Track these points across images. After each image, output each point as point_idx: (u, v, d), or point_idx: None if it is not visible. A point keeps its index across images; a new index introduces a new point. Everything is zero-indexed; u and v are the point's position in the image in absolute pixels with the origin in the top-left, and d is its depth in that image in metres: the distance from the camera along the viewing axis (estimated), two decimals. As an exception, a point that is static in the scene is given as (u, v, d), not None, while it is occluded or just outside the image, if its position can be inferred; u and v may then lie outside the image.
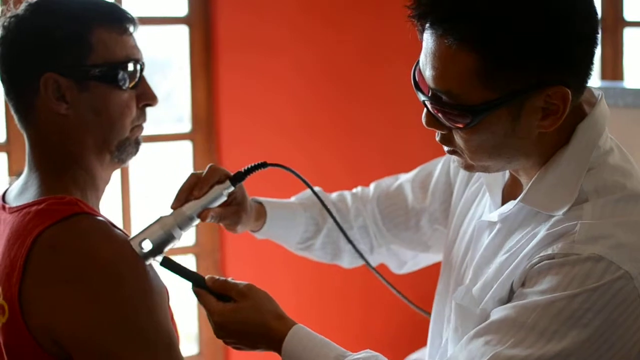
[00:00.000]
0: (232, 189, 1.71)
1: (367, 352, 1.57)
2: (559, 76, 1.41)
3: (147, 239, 1.57)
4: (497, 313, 1.46)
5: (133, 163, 3.77)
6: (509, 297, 1.50)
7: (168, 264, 1.58)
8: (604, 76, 4.25)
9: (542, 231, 1.48)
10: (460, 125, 1.44)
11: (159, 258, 1.58)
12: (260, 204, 1.93)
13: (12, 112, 1.67)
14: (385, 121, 4.17)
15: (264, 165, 1.74)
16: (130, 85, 1.66)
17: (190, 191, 1.68)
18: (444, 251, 1.83)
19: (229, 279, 1.61)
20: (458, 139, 1.48)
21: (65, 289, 1.48)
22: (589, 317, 1.38)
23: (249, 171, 1.73)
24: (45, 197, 1.58)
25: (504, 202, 1.61)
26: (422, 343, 3.15)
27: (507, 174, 1.64)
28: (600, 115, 1.53)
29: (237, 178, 1.72)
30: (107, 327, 1.48)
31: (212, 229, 4.00)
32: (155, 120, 4.19)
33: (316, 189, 1.95)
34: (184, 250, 4.07)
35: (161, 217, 1.61)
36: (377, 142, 4.20)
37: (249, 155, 3.95)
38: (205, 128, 3.96)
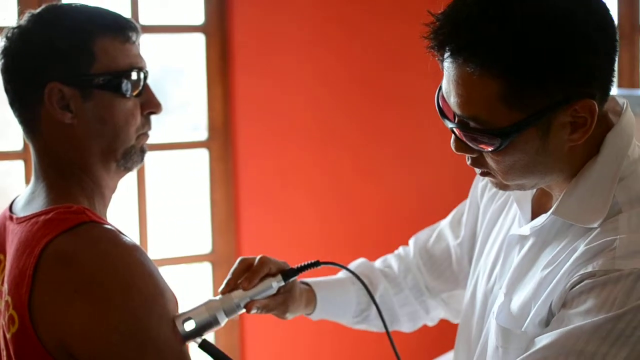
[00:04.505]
0: (282, 283, 1.73)
1: None
2: (584, 89, 1.41)
3: (191, 319, 1.58)
4: (543, 340, 1.43)
5: (149, 171, 3.83)
6: (549, 319, 1.48)
7: (206, 347, 1.58)
8: (620, 84, 4.24)
9: (581, 247, 1.46)
10: (490, 149, 1.44)
11: (199, 340, 1.58)
12: (308, 287, 1.92)
13: (18, 122, 1.68)
14: (404, 125, 4.16)
15: (317, 264, 1.77)
16: (134, 94, 1.66)
17: (239, 277, 1.71)
18: (472, 265, 1.82)
19: None
20: (489, 161, 1.48)
21: (74, 298, 1.48)
22: (638, 334, 1.36)
23: (302, 269, 1.77)
24: (52, 207, 1.58)
25: (533, 215, 1.61)
26: (447, 347, 3.16)
27: None
28: (628, 124, 1.52)
29: (290, 274, 1.75)
30: (117, 335, 1.48)
31: (228, 236, 4.00)
32: (171, 129, 4.22)
33: (360, 260, 1.98)
34: (200, 259, 4.08)
35: (209, 301, 1.63)
36: (396, 147, 4.19)
37: (265, 162, 3.98)
38: (222, 136, 3.97)
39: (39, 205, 1.62)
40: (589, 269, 1.42)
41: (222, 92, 3.94)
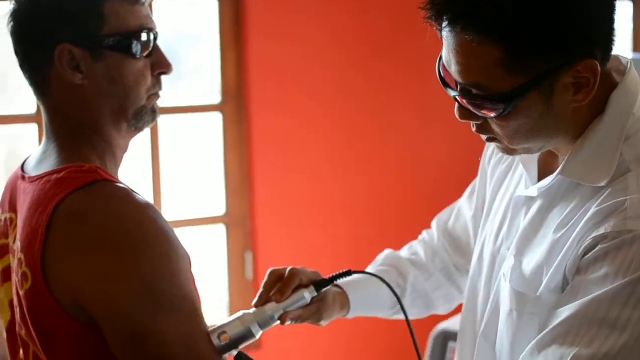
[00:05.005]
0: (315, 294, 1.75)
1: None
2: (584, 50, 1.41)
3: (226, 332, 1.60)
4: (563, 313, 1.43)
5: (163, 135, 3.84)
6: (564, 285, 1.48)
7: (242, 359, 1.60)
8: (635, 48, 4.21)
9: (592, 208, 1.46)
10: (494, 115, 1.44)
11: (234, 352, 1.61)
12: (340, 289, 1.91)
13: (29, 84, 1.69)
14: (422, 87, 4.14)
15: (349, 273, 1.78)
16: (145, 54, 1.67)
17: (271, 290, 1.72)
18: (479, 229, 1.83)
19: None
20: (494, 127, 1.49)
21: (87, 255, 1.49)
22: None
23: (334, 279, 1.77)
24: (64, 166, 1.59)
25: (540, 177, 1.61)
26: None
27: None
28: (632, 82, 1.52)
29: (322, 284, 1.76)
30: (130, 292, 1.49)
31: (242, 198, 4.02)
32: (185, 93, 4.23)
33: (386, 252, 1.98)
34: (214, 220, 4.10)
35: (243, 314, 1.65)
36: (414, 108, 4.19)
37: (279, 125, 3.98)
38: (235, 99, 3.98)
39: (50, 164, 1.63)
40: (601, 231, 1.42)
41: (235, 56, 3.95)
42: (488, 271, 1.71)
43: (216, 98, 4.03)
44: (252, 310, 1.68)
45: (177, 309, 1.52)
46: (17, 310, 1.61)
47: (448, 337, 3.15)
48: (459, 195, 2.01)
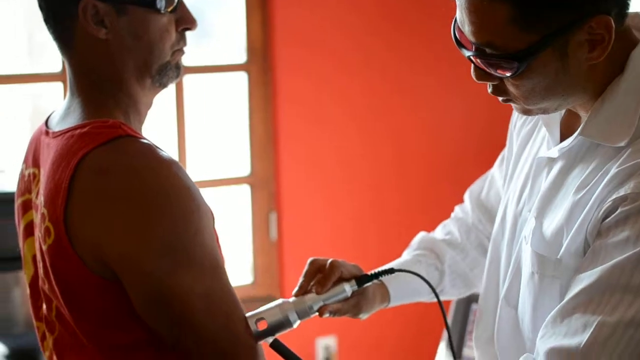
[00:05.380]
0: (356, 288, 1.73)
1: None
2: (597, 5, 1.39)
3: (264, 319, 1.60)
4: (584, 280, 1.41)
5: (188, 94, 3.84)
6: (585, 248, 1.47)
7: (277, 346, 1.60)
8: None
9: (612, 169, 1.44)
10: (509, 73, 1.44)
11: (270, 339, 1.60)
12: (379, 281, 1.89)
13: (53, 39, 1.68)
14: (441, 50, 4.11)
15: (391, 271, 1.77)
16: (169, 10, 1.66)
17: (312, 279, 1.71)
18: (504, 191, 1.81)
19: None
20: (510, 87, 1.48)
21: (110, 210, 1.49)
22: None
23: (377, 275, 1.76)
24: (88, 121, 1.59)
25: (562, 138, 1.59)
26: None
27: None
28: None
29: (364, 280, 1.75)
30: (152, 248, 1.49)
31: (267, 158, 4.02)
32: (211, 52, 4.22)
33: (421, 234, 1.96)
34: (238, 181, 4.10)
35: (283, 302, 1.64)
36: (433, 71, 4.16)
37: (303, 88, 3.97)
38: (261, 59, 3.96)
39: (74, 119, 1.62)
40: (621, 192, 1.40)
41: (261, 15, 3.92)
42: (510, 233, 1.70)
43: (241, 57, 4.01)
44: (292, 299, 1.67)
45: (199, 266, 1.52)
46: (40, 265, 1.61)
47: (471, 298, 3.14)
48: (481, 159, 1.99)
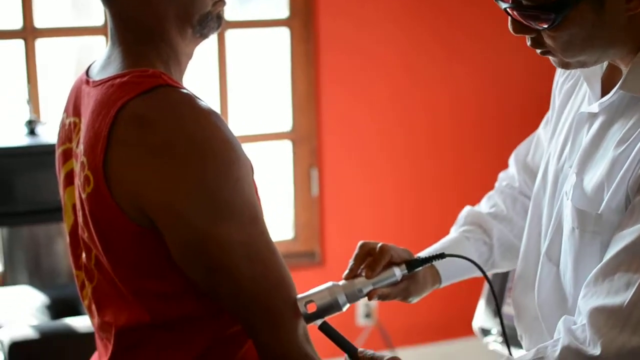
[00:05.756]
0: (406, 272, 1.72)
1: None
2: None
3: (313, 301, 1.60)
4: (626, 237, 1.40)
5: (230, 49, 3.83)
6: (626, 204, 1.45)
7: (326, 329, 1.58)
8: None
9: None
10: (546, 25, 1.42)
11: (319, 322, 1.59)
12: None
13: None
14: (487, 21, 4.08)
15: (442, 256, 1.73)
16: None
17: (362, 263, 1.69)
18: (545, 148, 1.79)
19: (377, 352, 1.57)
20: (547, 39, 1.46)
21: (149, 159, 1.49)
22: None
23: (428, 260, 1.73)
24: (128, 70, 1.58)
25: (604, 93, 1.57)
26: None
27: (605, 64, 1.59)
28: None
29: (414, 265, 1.72)
30: (191, 197, 1.49)
31: (309, 114, 4.01)
32: (253, 7, 4.21)
33: (466, 209, 1.93)
34: (280, 136, 4.10)
35: (333, 285, 1.63)
36: (475, 38, 4.13)
37: (346, 42, 3.95)
38: (303, 15, 3.94)
39: (114, 69, 1.62)
40: None
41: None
42: (551, 190, 1.68)
43: (284, 13, 3.99)
44: (342, 282, 1.66)
45: (237, 216, 1.52)
46: (80, 214, 1.61)
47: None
48: (524, 123, 1.96)
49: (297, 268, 3.95)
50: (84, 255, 1.67)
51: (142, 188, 1.49)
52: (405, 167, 4.14)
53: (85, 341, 2.17)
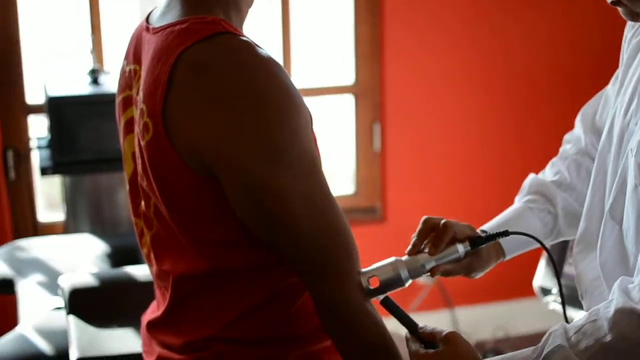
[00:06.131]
0: (469, 249, 1.71)
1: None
2: None
3: (376, 276, 1.60)
4: None
5: (293, 4, 3.80)
6: None
7: (388, 304, 1.57)
8: None
9: None
10: None
11: (381, 297, 1.59)
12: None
13: None
14: None
15: (505, 233, 1.71)
16: None
17: (425, 238, 1.69)
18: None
19: (437, 328, 1.55)
20: None
21: (208, 106, 1.48)
22: None
23: (491, 238, 1.72)
24: (188, 17, 1.57)
25: None
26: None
27: None
28: None
29: (478, 242, 1.71)
30: (249, 145, 1.47)
31: (372, 68, 3.98)
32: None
33: (530, 177, 1.91)
34: (341, 90, 4.08)
35: (395, 260, 1.63)
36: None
37: (411, 8, 3.90)
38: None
39: (174, 16, 1.60)
40: None
41: None
42: (616, 146, 1.65)
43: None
44: (405, 257, 1.67)
45: (296, 165, 1.50)
46: (139, 162, 1.61)
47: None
48: (594, 81, 1.91)
49: (357, 224, 3.94)
50: (143, 203, 1.67)
51: (200, 136, 1.48)
52: (473, 123, 4.09)
53: (144, 290, 2.18)
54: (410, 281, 1.64)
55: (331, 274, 1.54)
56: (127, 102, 1.71)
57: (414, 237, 1.70)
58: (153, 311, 1.77)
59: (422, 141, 4.05)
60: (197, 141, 1.49)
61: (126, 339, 2.28)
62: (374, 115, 4.02)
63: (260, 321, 1.63)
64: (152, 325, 1.75)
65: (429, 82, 4.01)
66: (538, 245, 1.80)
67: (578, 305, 1.83)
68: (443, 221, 1.70)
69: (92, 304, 2.40)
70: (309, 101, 3.42)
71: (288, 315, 1.65)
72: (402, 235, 3.98)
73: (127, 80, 1.71)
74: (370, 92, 4.00)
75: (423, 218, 1.72)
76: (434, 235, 1.69)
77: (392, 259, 1.63)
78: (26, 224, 3.71)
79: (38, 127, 3.65)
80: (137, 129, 1.60)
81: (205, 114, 1.48)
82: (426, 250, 1.68)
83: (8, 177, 3.63)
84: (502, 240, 1.80)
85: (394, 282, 1.62)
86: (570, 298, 1.77)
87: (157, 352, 1.73)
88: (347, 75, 4.04)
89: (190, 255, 1.60)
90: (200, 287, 1.63)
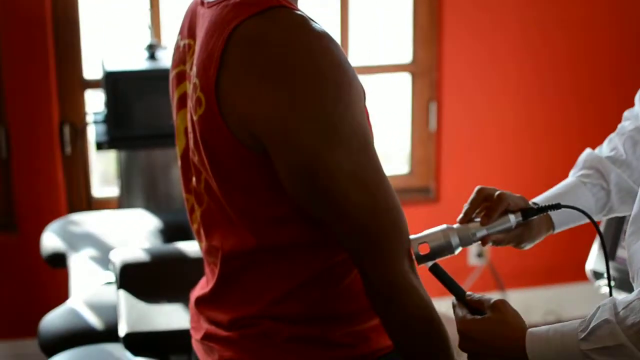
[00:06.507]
0: (521, 220, 1.71)
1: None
2: None
3: (427, 242, 1.60)
4: None
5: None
6: None
7: (436, 271, 1.58)
8: None
9: None
10: None
11: (430, 263, 1.59)
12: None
13: None
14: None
15: (557, 206, 1.71)
16: None
17: (477, 208, 1.69)
18: None
19: (485, 295, 1.56)
20: None
21: (260, 81, 1.46)
22: None
23: (543, 210, 1.71)
24: None
25: None
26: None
27: None
28: None
29: (530, 213, 1.71)
30: (302, 120, 1.46)
31: (430, 47, 3.94)
32: None
33: (586, 152, 1.88)
34: (399, 68, 4.04)
35: (447, 228, 1.64)
36: None
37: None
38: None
39: None
40: None
41: None
42: None
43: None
44: (456, 225, 1.67)
45: (347, 141, 1.48)
46: (191, 137, 1.61)
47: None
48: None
49: (411, 204, 3.93)
50: (194, 179, 1.67)
51: (252, 111, 1.47)
52: (530, 104, 4.03)
53: (194, 266, 2.18)
54: (460, 249, 1.64)
55: (379, 250, 1.52)
56: (181, 77, 1.70)
57: (466, 206, 1.70)
58: (202, 287, 1.78)
59: (478, 121, 4.01)
60: (249, 115, 1.47)
61: (175, 315, 2.29)
62: (430, 94, 3.98)
63: (307, 299, 1.63)
64: (201, 302, 1.75)
65: (486, 62, 3.96)
66: (588, 220, 1.78)
67: (630, 289, 1.79)
68: (497, 192, 1.70)
69: (143, 280, 2.42)
70: (365, 79, 3.39)
71: (336, 294, 1.64)
72: (455, 216, 3.96)
73: (181, 55, 1.71)
74: (428, 71, 3.97)
75: (477, 188, 1.72)
76: (487, 205, 1.69)
77: (444, 226, 1.64)
78: (81, 199, 3.74)
79: (95, 103, 3.67)
80: (190, 103, 1.59)
81: (256, 87, 1.46)
82: (478, 219, 1.68)
83: (64, 152, 3.66)
84: (553, 213, 1.80)
85: (444, 249, 1.62)
86: (622, 282, 1.74)
87: (205, 329, 1.73)
88: (405, 53, 4.01)
89: (240, 231, 1.59)
90: (249, 264, 1.62)
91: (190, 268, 2.30)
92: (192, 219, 1.74)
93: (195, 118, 1.55)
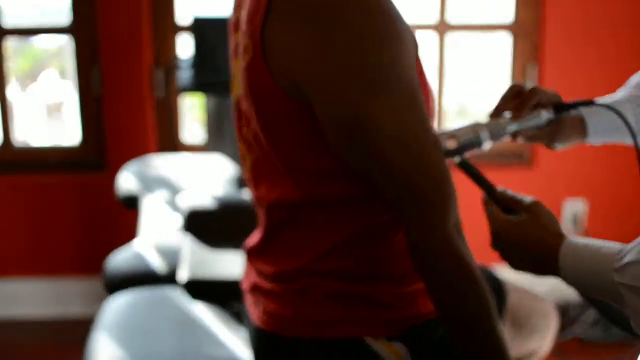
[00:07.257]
0: (552, 116, 1.66)
1: None
2: None
3: (455, 136, 1.56)
4: None
5: None
6: None
7: (465, 166, 1.55)
8: None
9: None
10: None
11: (458, 159, 1.56)
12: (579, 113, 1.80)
13: None
14: None
15: (590, 103, 1.66)
16: None
17: (509, 102, 1.66)
18: None
19: (519, 194, 1.52)
20: None
21: (307, 29, 1.42)
22: None
23: (575, 105, 1.67)
24: None
25: None
26: None
27: None
28: None
29: (562, 108, 1.67)
30: (347, 70, 1.41)
31: (533, 7, 3.82)
32: None
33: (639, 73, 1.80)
34: (500, 28, 3.95)
35: (476, 122, 1.59)
36: None
37: None
38: None
39: None
40: None
41: None
42: None
43: None
44: (487, 120, 1.62)
45: (394, 95, 1.43)
46: (241, 85, 1.58)
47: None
48: None
49: (505, 168, 3.86)
50: (244, 128, 1.65)
51: (296, 59, 1.43)
52: (633, 69, 3.88)
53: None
54: (489, 143, 1.59)
55: (424, 214, 1.47)
56: (237, 24, 1.68)
57: (498, 101, 1.66)
58: (253, 238, 1.76)
59: (577, 85, 3.89)
60: (293, 64, 1.44)
61: (236, 265, 2.27)
62: (530, 55, 3.87)
63: (351, 256, 1.59)
64: (250, 252, 1.75)
65: (590, 25, 3.83)
66: (623, 139, 1.74)
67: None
68: (533, 87, 1.66)
69: (209, 226, 2.42)
70: (464, 37, 3.29)
71: (380, 253, 1.61)
72: (549, 180, 3.86)
73: (238, 2, 1.68)
74: (529, 32, 3.86)
75: (510, 84, 1.68)
76: (519, 99, 1.65)
77: (474, 120, 1.59)
78: (170, 142, 3.77)
79: (186, 47, 3.70)
80: (240, 50, 1.56)
81: (300, 36, 1.43)
82: (509, 114, 1.64)
83: (155, 95, 3.69)
84: (589, 120, 1.75)
85: (472, 143, 1.57)
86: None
87: (253, 279, 1.72)
88: (507, 13, 3.91)
89: (285, 182, 1.57)
90: (293, 217, 1.60)
91: (256, 218, 2.29)
92: (244, 168, 1.72)
93: (243, 65, 1.53)
